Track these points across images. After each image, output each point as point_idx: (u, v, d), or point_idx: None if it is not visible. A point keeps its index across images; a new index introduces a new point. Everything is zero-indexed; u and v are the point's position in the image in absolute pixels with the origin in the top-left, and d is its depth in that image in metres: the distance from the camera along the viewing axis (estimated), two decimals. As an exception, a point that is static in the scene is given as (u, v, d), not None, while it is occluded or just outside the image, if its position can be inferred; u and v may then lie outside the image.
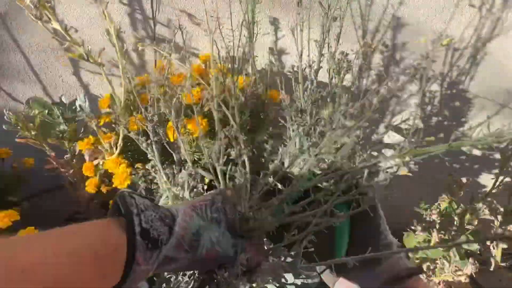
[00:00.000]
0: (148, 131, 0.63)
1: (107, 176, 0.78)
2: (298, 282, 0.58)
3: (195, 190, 0.58)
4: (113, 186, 0.74)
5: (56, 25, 0.57)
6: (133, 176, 0.73)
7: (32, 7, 0.52)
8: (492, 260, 0.72)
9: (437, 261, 0.79)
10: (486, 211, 0.72)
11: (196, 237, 0.34)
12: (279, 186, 0.42)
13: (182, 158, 0.64)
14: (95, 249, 0.28)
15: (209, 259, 0.35)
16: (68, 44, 0.60)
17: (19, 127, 0.69)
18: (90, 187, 0.76)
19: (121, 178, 0.71)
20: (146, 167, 0.73)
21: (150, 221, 0.31)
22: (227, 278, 0.36)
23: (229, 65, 0.82)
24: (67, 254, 0.26)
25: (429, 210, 0.80)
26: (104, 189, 0.77)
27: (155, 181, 0.72)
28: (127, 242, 0.30)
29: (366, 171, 0.40)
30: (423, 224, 0.81)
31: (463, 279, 0.76)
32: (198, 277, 0.39)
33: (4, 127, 0.69)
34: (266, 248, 0.41)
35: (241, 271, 0.36)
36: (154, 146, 0.64)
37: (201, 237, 0.34)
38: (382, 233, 0.38)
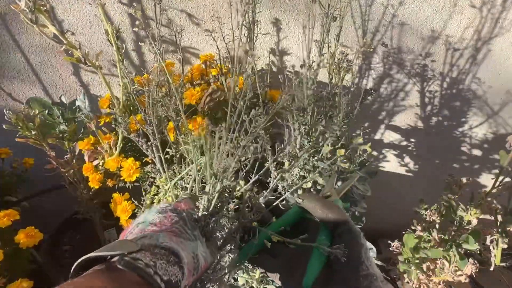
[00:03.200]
0: (148, 134, 0.63)
1: (108, 176, 0.78)
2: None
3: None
4: (121, 179, 0.74)
5: (52, 29, 0.57)
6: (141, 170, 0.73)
7: (27, 11, 0.52)
8: (492, 260, 0.72)
9: (437, 261, 0.79)
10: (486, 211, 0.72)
11: (195, 259, 0.37)
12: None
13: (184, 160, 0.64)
14: None
15: (203, 272, 0.39)
16: (65, 47, 0.60)
17: (19, 127, 0.69)
18: (93, 182, 0.76)
19: (130, 171, 0.71)
20: (146, 169, 0.73)
21: (165, 270, 0.33)
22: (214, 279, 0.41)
23: (229, 65, 0.82)
24: None
25: (429, 210, 0.80)
26: (110, 183, 0.77)
27: (155, 182, 0.72)
28: None
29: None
30: (423, 224, 0.81)
31: (463, 279, 0.76)
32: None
33: (4, 127, 0.69)
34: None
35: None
36: (154, 148, 0.64)
37: (197, 256, 0.37)
38: (363, 263, 0.36)
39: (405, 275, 0.83)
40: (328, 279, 0.37)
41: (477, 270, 0.74)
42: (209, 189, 0.42)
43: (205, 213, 0.43)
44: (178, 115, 0.62)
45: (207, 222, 0.42)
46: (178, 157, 0.70)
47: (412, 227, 0.83)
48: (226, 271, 0.43)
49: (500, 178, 0.72)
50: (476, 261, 0.75)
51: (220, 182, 0.40)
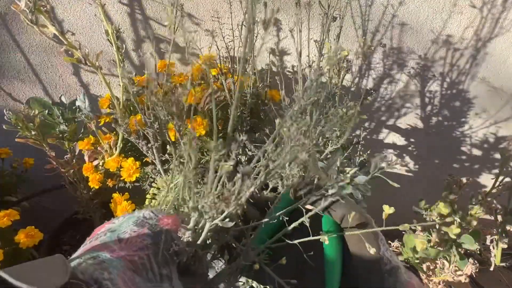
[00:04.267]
0: (148, 136, 0.63)
1: (108, 176, 0.78)
2: None
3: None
4: (121, 179, 0.74)
5: (52, 29, 0.57)
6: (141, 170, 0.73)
7: (28, 11, 0.52)
8: (492, 260, 0.72)
9: (437, 261, 0.79)
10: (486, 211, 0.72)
11: None
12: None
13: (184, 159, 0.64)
14: None
15: None
16: (65, 48, 0.60)
17: (19, 127, 0.69)
18: (93, 182, 0.76)
19: (130, 171, 0.71)
20: (146, 170, 0.73)
21: None
22: None
23: (229, 65, 0.82)
24: None
25: (429, 210, 0.80)
26: (110, 183, 0.77)
27: (154, 182, 0.72)
28: None
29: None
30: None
31: (463, 279, 0.76)
32: None
33: (4, 127, 0.69)
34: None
35: None
36: (155, 150, 0.64)
37: None
38: (384, 256, 0.30)
39: (405, 275, 0.83)
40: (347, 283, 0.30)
41: (477, 270, 0.74)
42: (193, 226, 0.31)
43: (189, 247, 0.31)
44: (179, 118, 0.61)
45: (191, 256, 0.32)
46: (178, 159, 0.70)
47: (412, 227, 0.83)
48: None
49: (500, 178, 0.72)
50: (476, 261, 0.75)
51: (210, 221, 0.29)
